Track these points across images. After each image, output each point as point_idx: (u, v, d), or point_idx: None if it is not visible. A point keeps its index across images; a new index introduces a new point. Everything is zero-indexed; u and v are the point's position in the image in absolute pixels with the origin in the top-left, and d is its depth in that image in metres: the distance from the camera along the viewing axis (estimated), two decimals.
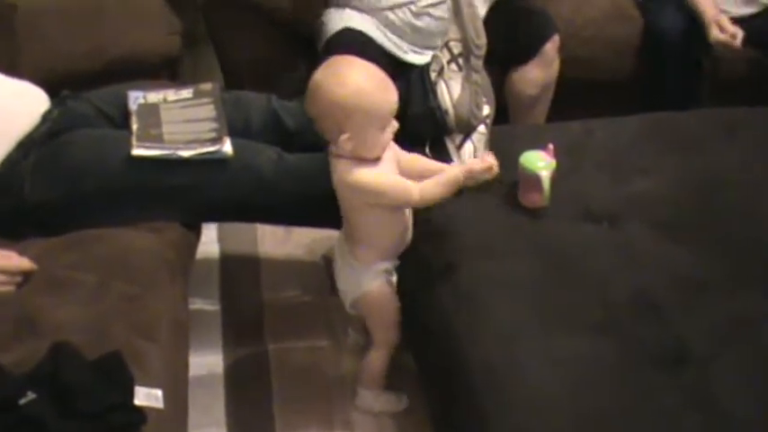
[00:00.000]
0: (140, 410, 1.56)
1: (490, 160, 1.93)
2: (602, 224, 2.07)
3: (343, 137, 1.86)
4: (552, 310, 1.84)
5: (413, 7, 2.59)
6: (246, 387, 2.28)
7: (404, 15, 2.59)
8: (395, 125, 1.91)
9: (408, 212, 2.04)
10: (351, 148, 1.87)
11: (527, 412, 1.65)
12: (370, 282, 2.03)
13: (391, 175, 1.94)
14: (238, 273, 2.62)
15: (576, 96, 2.77)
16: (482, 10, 2.54)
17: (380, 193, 1.92)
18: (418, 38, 2.63)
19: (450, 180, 1.92)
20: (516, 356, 1.74)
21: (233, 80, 2.80)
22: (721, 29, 2.75)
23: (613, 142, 2.33)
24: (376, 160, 1.92)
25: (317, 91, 1.87)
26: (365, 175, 1.90)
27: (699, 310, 1.83)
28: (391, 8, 2.59)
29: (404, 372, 2.18)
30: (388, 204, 1.95)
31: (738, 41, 2.74)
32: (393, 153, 1.97)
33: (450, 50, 2.20)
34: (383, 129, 1.88)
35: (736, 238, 2.03)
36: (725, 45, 2.76)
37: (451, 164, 2.10)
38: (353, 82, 1.85)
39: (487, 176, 1.93)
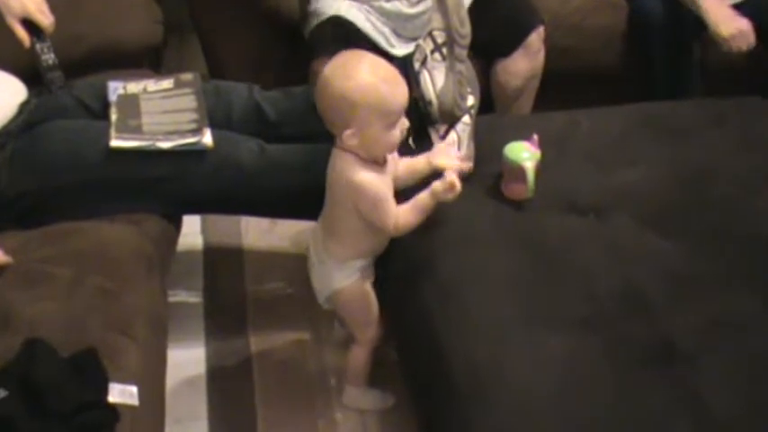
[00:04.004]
0: (114, 408, 1.53)
1: (452, 179, 1.87)
2: (588, 217, 2.04)
3: (348, 132, 1.82)
4: (536, 305, 1.81)
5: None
6: (228, 380, 2.27)
7: (399, 4, 2.56)
8: (405, 124, 1.86)
9: None
10: (355, 144, 1.83)
11: (511, 413, 1.62)
12: (343, 279, 1.99)
13: (390, 194, 1.89)
14: (222, 264, 2.60)
15: (562, 87, 2.74)
16: None
17: (371, 203, 1.87)
18: (409, 28, 2.59)
19: (419, 205, 1.89)
20: (499, 355, 1.71)
21: (217, 69, 2.78)
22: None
23: (600, 133, 2.30)
24: (380, 162, 1.89)
25: (324, 84, 1.84)
26: (365, 177, 1.86)
27: (686, 307, 1.80)
28: None
29: (390, 367, 2.16)
30: (367, 217, 1.90)
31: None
32: (393, 162, 1.93)
33: (433, 40, 2.17)
34: (390, 126, 1.83)
35: (724, 231, 2.00)
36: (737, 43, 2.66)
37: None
38: (360, 75, 1.80)
39: (450, 196, 1.88)
